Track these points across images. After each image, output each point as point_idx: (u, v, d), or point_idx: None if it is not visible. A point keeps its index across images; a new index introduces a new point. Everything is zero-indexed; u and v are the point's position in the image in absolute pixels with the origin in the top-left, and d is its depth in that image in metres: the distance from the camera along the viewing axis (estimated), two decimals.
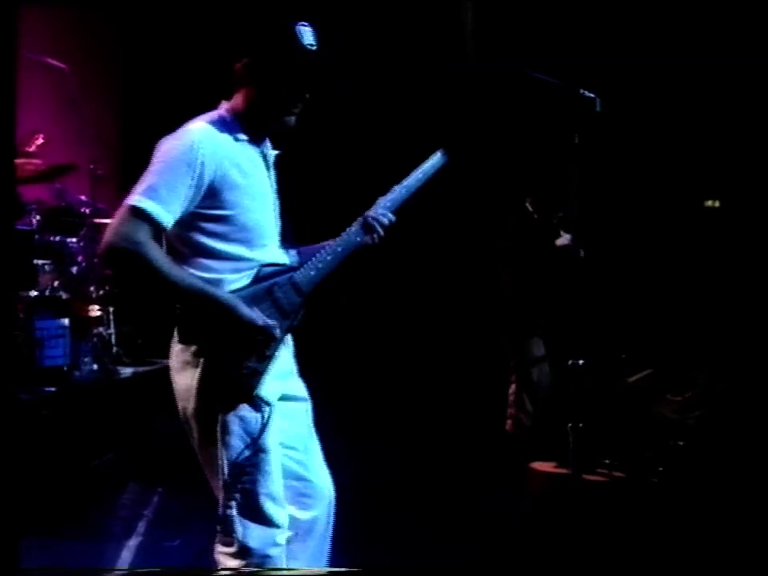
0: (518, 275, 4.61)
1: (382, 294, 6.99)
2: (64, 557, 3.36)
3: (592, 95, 2.59)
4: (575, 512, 2.72)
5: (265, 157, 2.30)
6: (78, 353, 5.05)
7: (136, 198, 2.05)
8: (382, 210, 2.38)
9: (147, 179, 2.08)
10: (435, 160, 2.47)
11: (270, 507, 2.22)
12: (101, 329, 5.28)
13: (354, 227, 2.36)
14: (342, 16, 6.28)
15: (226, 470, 2.20)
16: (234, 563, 2.23)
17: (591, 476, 4.06)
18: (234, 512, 2.21)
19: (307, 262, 2.30)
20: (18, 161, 5.10)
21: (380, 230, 2.37)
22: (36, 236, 4.91)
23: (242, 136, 2.22)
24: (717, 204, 6.08)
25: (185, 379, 2.21)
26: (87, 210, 5.29)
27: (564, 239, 4.53)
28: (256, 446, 2.19)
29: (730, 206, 6.01)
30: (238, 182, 2.17)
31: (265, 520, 2.22)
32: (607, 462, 4.15)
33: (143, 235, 2.03)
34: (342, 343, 6.94)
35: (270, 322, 2.18)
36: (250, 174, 2.21)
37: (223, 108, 2.26)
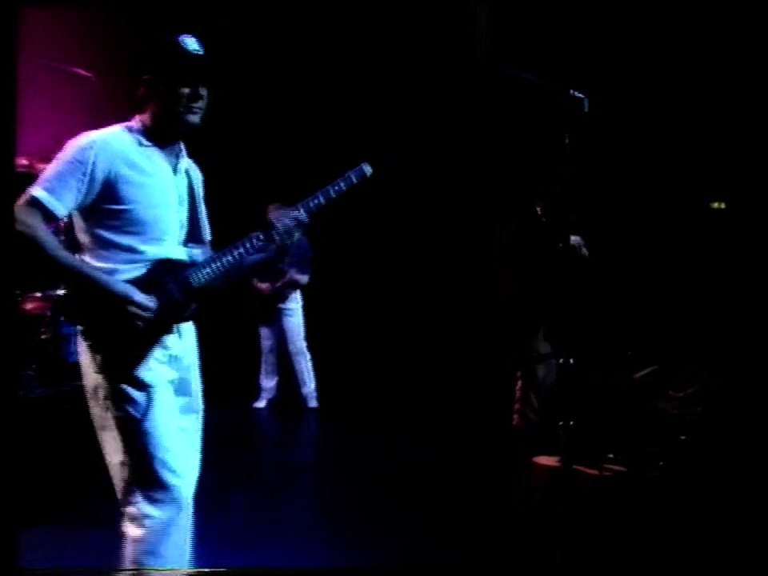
0: (523, 274, 4.68)
1: (391, 292, 7.09)
2: (82, 547, 3.50)
3: (581, 95, 2.61)
4: (570, 508, 2.80)
5: (176, 163, 2.49)
6: None
7: (33, 188, 2.30)
8: (289, 217, 2.50)
9: (45, 173, 2.34)
10: (359, 170, 2.57)
11: (168, 477, 2.35)
12: None
13: (259, 231, 2.50)
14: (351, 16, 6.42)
15: (122, 446, 2.34)
16: (139, 532, 2.34)
17: (593, 470, 4.13)
18: (134, 487, 2.34)
19: (205, 260, 2.47)
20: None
21: (284, 233, 2.48)
22: (62, 237, 5.10)
23: (147, 142, 2.43)
24: (723, 206, 6.10)
25: (82, 359, 2.39)
26: None
27: (572, 240, 4.57)
28: (147, 423, 2.33)
29: (736, 207, 6.03)
30: (136, 180, 2.37)
31: (166, 489, 2.35)
32: (610, 456, 4.22)
33: (34, 220, 2.26)
34: (350, 341, 7.06)
35: (145, 297, 2.32)
36: (151, 175, 2.41)
37: (133, 120, 2.48)
